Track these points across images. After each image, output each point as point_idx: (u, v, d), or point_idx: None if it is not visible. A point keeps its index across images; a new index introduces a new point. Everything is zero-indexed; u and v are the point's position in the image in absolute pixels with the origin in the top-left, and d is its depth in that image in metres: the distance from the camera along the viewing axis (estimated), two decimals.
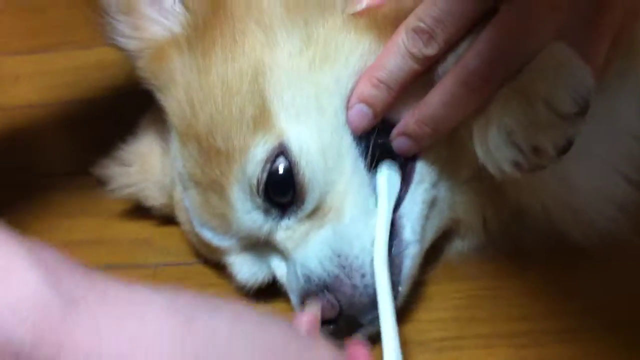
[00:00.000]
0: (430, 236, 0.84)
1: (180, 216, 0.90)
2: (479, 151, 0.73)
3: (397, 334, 0.72)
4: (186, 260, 0.95)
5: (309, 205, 0.78)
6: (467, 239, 0.89)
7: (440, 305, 0.85)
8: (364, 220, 0.78)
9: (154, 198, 0.96)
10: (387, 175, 0.80)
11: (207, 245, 0.86)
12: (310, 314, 0.72)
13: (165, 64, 0.82)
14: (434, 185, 0.82)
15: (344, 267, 0.77)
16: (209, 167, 0.79)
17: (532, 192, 0.83)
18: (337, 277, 0.77)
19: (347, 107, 0.78)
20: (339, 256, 0.77)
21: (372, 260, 0.76)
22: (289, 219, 0.79)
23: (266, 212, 0.79)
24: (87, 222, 1.06)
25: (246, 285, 0.85)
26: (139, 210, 1.01)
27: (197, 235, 0.86)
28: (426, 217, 0.82)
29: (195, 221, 0.85)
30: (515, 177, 0.72)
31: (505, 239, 0.88)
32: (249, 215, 0.78)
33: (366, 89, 0.77)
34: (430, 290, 0.87)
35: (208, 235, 0.84)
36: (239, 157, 0.76)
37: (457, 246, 0.90)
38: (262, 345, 0.56)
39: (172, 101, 0.82)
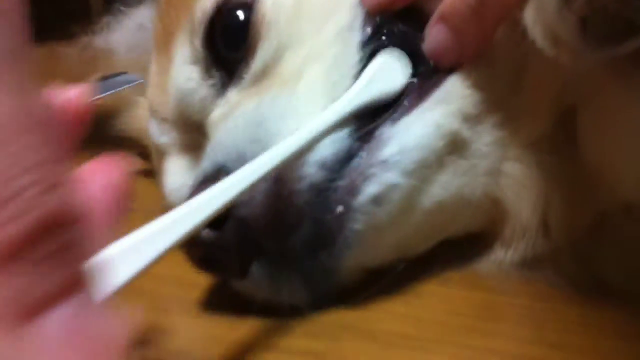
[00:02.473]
0: (438, 194, 0.53)
1: None
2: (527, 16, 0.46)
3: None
4: None
5: (259, 59, 0.54)
6: (513, 247, 0.56)
7: (429, 303, 0.52)
8: (323, 100, 0.51)
9: None
10: (388, 63, 0.54)
11: (157, 154, 0.64)
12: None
13: None
14: (467, 119, 0.53)
15: (257, 147, 0.49)
16: (168, 17, 0.60)
17: None
18: (241, 155, 0.50)
19: None
20: (258, 131, 0.51)
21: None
22: (233, 88, 0.55)
23: (206, 70, 0.56)
24: None
25: (173, 196, 0.60)
26: None
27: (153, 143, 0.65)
28: (438, 159, 0.52)
29: (150, 111, 0.64)
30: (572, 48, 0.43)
31: (579, 265, 0.54)
32: (184, 68, 0.57)
33: None
34: (425, 289, 0.54)
35: (153, 128, 0.63)
36: None
37: (498, 257, 0.57)
38: None
39: None
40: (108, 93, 1.32)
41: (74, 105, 0.39)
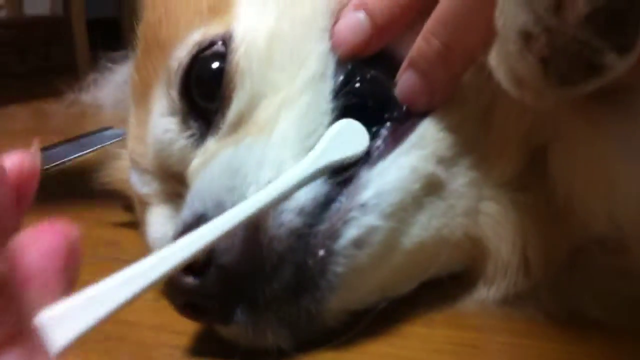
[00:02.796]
0: (418, 235, 0.54)
1: None
2: (491, 59, 0.47)
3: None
4: None
5: (235, 108, 0.55)
6: (495, 285, 0.57)
7: (411, 344, 0.52)
8: (297, 148, 0.53)
9: None
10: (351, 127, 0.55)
11: (139, 204, 0.65)
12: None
13: None
14: (441, 161, 0.54)
15: (234, 195, 0.51)
16: (144, 68, 0.61)
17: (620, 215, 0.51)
18: (220, 204, 0.51)
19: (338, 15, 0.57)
20: (235, 180, 0.52)
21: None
22: (211, 137, 0.57)
23: (184, 121, 0.57)
24: None
25: (156, 245, 0.60)
26: None
27: (135, 194, 0.66)
28: (415, 201, 0.53)
29: (130, 162, 0.65)
30: (533, 79, 0.44)
31: (556, 299, 0.55)
32: (162, 120, 0.58)
33: None
34: (408, 330, 0.54)
35: (134, 179, 0.64)
36: (176, 45, 0.58)
37: (481, 296, 0.57)
38: None
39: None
40: (95, 148, 1.33)
41: (17, 170, 0.38)
